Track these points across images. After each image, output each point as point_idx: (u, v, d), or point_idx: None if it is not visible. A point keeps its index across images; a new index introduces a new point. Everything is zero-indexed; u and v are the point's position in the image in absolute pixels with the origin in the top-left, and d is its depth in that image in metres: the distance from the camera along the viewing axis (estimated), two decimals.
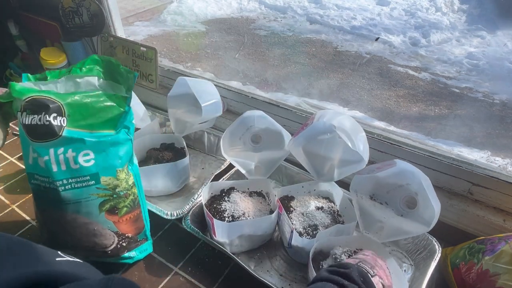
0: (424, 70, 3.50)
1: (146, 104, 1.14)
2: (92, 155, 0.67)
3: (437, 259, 0.77)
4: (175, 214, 0.87)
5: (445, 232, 0.82)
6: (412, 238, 0.84)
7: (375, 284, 0.56)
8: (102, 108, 0.69)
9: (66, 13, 1.19)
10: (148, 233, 0.82)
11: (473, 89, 3.20)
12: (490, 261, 0.67)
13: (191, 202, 0.90)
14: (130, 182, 0.74)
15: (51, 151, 0.65)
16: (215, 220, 0.77)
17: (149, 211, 0.89)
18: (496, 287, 0.65)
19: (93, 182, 0.69)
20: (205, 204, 0.84)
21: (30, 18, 1.39)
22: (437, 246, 0.79)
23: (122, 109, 0.71)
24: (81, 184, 0.68)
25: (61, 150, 0.65)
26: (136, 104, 1.03)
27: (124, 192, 0.73)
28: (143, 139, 1.05)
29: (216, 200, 0.88)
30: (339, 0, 5.04)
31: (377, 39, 4.08)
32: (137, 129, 1.11)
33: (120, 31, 1.31)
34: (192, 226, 0.84)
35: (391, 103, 2.99)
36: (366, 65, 3.58)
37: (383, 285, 0.58)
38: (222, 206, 0.84)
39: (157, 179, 0.94)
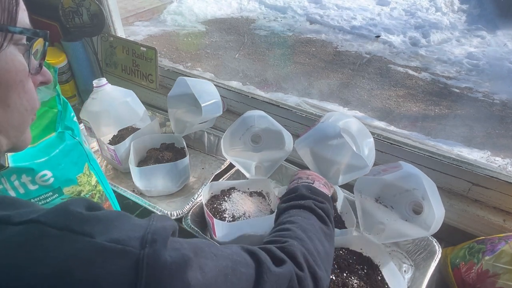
0: (424, 70, 3.50)
1: (146, 104, 1.14)
2: (50, 174, 0.65)
3: (437, 259, 0.77)
4: (175, 214, 0.87)
5: (445, 232, 0.82)
6: (413, 239, 0.84)
7: (318, 188, 0.65)
8: (37, 118, 0.65)
9: (66, 13, 1.19)
10: None
11: (473, 89, 3.20)
12: (490, 261, 0.67)
13: (191, 202, 0.90)
14: (93, 182, 0.74)
15: (3, 180, 0.62)
16: (215, 220, 0.77)
17: (149, 210, 0.89)
18: (496, 287, 0.65)
19: (56, 195, 0.67)
20: (205, 204, 0.84)
21: (30, 18, 1.39)
22: (437, 247, 0.79)
23: (55, 110, 0.68)
24: (44, 201, 0.67)
25: (14, 177, 0.62)
26: (136, 104, 1.03)
27: (90, 193, 0.73)
28: (143, 139, 1.04)
29: (216, 200, 0.88)
30: (339, 0, 5.04)
31: (378, 36, 4.07)
32: (137, 129, 1.11)
33: (120, 31, 1.31)
34: (193, 226, 0.84)
35: (391, 103, 2.99)
36: (366, 65, 3.58)
37: (323, 185, 0.68)
38: (223, 206, 0.84)
39: (157, 179, 0.94)
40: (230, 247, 0.44)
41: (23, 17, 0.35)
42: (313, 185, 0.66)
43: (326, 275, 0.50)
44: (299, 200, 0.62)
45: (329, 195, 0.67)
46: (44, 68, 0.40)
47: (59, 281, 0.29)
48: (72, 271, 0.29)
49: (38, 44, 0.37)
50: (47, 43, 0.38)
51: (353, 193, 0.85)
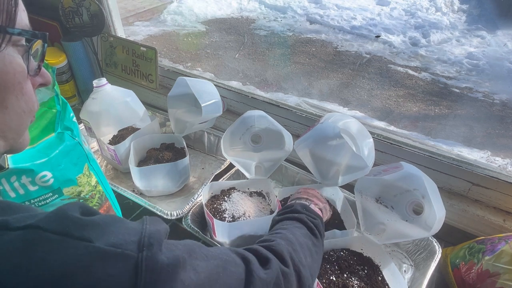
0: (424, 70, 3.50)
1: (146, 104, 1.14)
2: (49, 175, 0.64)
3: (437, 259, 0.77)
4: (175, 214, 0.87)
5: (445, 232, 0.82)
6: (413, 239, 0.84)
7: (313, 209, 0.69)
8: (36, 119, 0.64)
9: (66, 13, 1.19)
10: (121, 216, 0.85)
11: (473, 89, 3.20)
12: (490, 261, 0.67)
13: (191, 202, 0.90)
14: (93, 183, 0.73)
15: (3, 181, 0.62)
16: (215, 220, 0.77)
17: (149, 210, 0.89)
18: (496, 287, 0.65)
19: (56, 196, 0.67)
20: (205, 204, 0.84)
21: (30, 18, 1.39)
22: (437, 247, 0.79)
23: (54, 110, 0.68)
24: (44, 201, 0.66)
25: (14, 178, 0.62)
26: (136, 104, 1.03)
27: (90, 194, 0.73)
28: (143, 139, 1.04)
29: (216, 200, 0.88)
30: (339, 0, 5.04)
31: (378, 36, 4.07)
32: (137, 129, 1.11)
33: (120, 31, 1.31)
34: (192, 226, 0.84)
35: (391, 103, 2.99)
36: (366, 65, 3.58)
37: (319, 209, 0.72)
38: (223, 206, 0.84)
39: (157, 179, 0.94)
40: (218, 248, 0.45)
41: (23, 18, 0.35)
42: (309, 206, 0.69)
43: (310, 277, 0.52)
44: (292, 213, 0.65)
45: (322, 217, 0.70)
46: (43, 69, 0.39)
47: (59, 286, 0.29)
48: (73, 276, 0.29)
49: (37, 45, 0.37)
50: (46, 44, 0.38)
51: (353, 193, 0.85)
